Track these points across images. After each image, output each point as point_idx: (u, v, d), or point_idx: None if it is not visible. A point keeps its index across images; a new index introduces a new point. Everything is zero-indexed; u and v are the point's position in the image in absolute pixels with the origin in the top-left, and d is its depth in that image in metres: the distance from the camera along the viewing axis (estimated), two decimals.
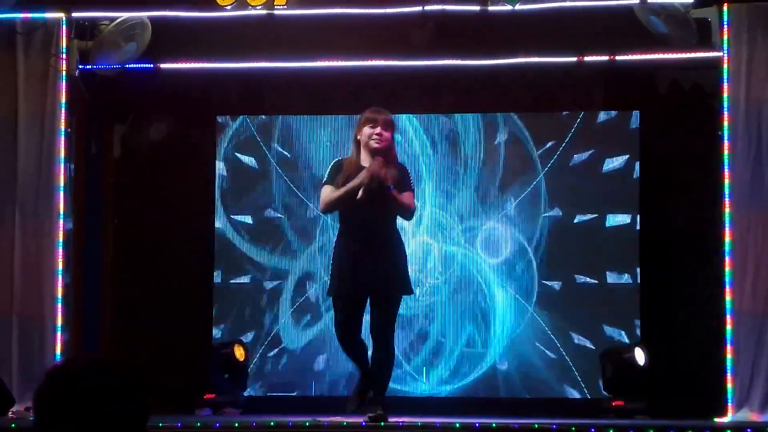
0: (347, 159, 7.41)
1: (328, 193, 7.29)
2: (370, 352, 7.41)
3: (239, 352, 9.11)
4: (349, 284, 7.22)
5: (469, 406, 9.05)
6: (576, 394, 9.29)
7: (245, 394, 9.21)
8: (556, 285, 9.42)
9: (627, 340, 9.14)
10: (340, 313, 7.33)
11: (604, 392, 8.91)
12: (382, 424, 7.11)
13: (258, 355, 9.51)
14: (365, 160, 7.27)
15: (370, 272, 7.16)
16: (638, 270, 9.30)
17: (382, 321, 7.25)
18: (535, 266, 9.44)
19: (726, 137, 8.04)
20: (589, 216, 9.42)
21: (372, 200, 7.16)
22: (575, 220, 9.43)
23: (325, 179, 7.40)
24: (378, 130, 7.23)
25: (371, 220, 7.20)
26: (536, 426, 7.08)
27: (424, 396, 9.38)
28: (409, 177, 7.40)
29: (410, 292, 7.40)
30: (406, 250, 7.52)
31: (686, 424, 7.11)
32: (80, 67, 8.67)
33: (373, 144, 7.22)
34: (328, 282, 7.44)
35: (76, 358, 2.76)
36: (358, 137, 7.32)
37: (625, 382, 8.83)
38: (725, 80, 8.06)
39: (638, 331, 9.21)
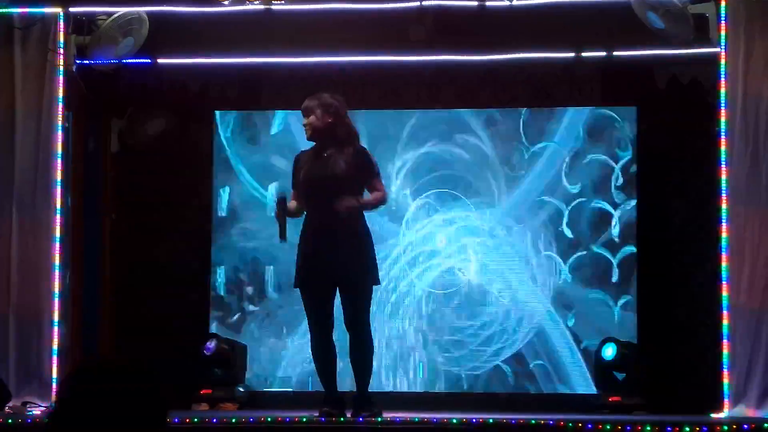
0: (303, 153, 7.37)
1: (291, 203, 7.28)
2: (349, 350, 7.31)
3: (208, 347, 9.12)
4: (315, 274, 7.12)
5: (466, 403, 9.06)
6: (572, 390, 9.30)
7: (242, 389, 9.22)
8: (552, 282, 9.43)
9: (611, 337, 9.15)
10: (308, 308, 7.23)
11: (596, 389, 8.96)
12: (379, 419, 7.11)
13: (257, 350, 9.52)
14: (317, 146, 7.22)
15: (336, 262, 7.06)
16: (636, 267, 9.30)
17: (353, 311, 7.13)
18: (534, 264, 9.45)
19: (723, 133, 8.04)
20: (586, 211, 9.43)
21: (329, 187, 7.09)
22: (573, 216, 9.44)
23: (291, 180, 7.37)
24: (304, 121, 7.25)
25: (332, 209, 7.07)
26: (533, 422, 7.09)
27: (421, 392, 9.40)
28: (371, 163, 7.21)
29: (377, 282, 7.27)
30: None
31: (683, 420, 7.10)
32: (77, 62, 8.66)
33: (306, 135, 7.24)
34: (294, 273, 7.30)
35: (103, 356, 2.80)
36: None
37: (605, 377, 8.88)
38: (723, 76, 8.05)
39: (636, 327, 9.23)
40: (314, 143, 7.24)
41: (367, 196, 7.23)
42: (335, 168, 7.10)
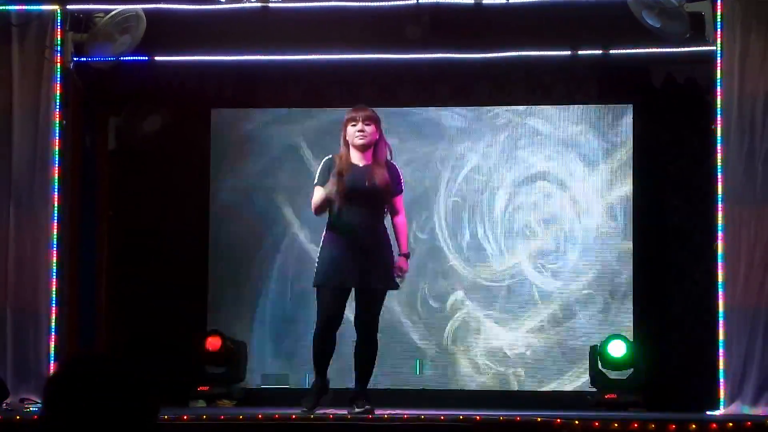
0: (338, 155, 7.52)
1: (315, 195, 7.47)
2: (355, 347, 7.55)
3: (212, 343, 9.14)
4: (337, 276, 7.35)
5: (460, 399, 9.08)
6: (569, 387, 9.32)
7: (241, 385, 9.24)
8: (550, 281, 9.44)
9: (620, 334, 9.16)
10: (323, 305, 7.43)
11: (592, 386, 8.97)
12: (384, 416, 7.20)
13: (253, 346, 9.53)
14: (355, 157, 7.44)
15: (358, 266, 7.33)
16: (632, 264, 9.33)
17: (369, 314, 7.43)
18: (529, 263, 9.47)
19: (719, 131, 8.05)
20: (584, 208, 9.45)
21: (362, 199, 7.36)
22: (571, 215, 9.46)
23: (315, 179, 7.54)
24: (359, 126, 7.41)
25: (361, 216, 7.37)
26: (529, 419, 7.10)
27: (418, 388, 9.43)
28: (399, 178, 7.58)
29: (396, 287, 7.54)
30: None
31: (679, 417, 7.12)
32: (75, 59, 8.66)
33: (357, 141, 7.41)
34: (315, 272, 7.50)
35: (90, 351, 2.79)
36: (346, 138, 7.50)
37: (606, 375, 8.90)
38: (718, 74, 8.06)
39: (632, 325, 9.26)
40: (347, 151, 7.42)
41: (400, 233, 7.56)
42: (376, 180, 7.39)
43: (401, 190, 7.56)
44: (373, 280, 7.37)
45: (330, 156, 7.58)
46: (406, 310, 9.52)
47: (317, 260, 7.51)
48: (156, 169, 9.79)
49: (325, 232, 7.52)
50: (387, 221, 7.58)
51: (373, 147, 7.47)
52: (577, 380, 9.30)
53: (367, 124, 7.43)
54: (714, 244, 8.02)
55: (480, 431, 6.99)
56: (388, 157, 7.55)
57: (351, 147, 7.45)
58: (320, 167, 7.56)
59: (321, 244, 7.53)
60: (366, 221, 7.38)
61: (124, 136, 9.78)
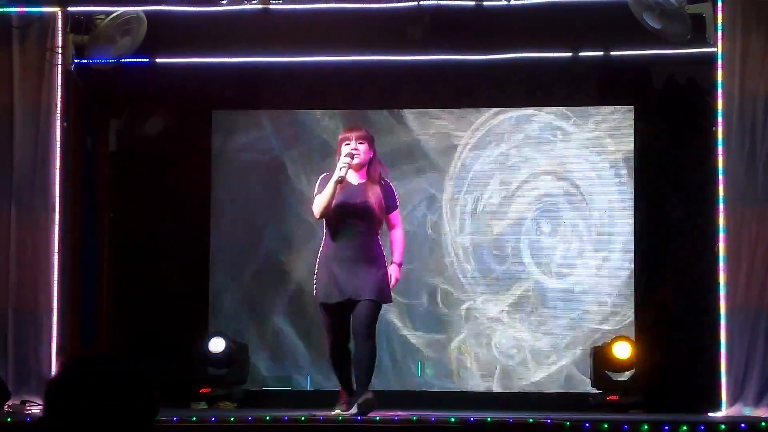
0: (330, 176, 7.63)
1: (317, 199, 7.58)
2: (352, 352, 7.60)
3: (215, 345, 9.15)
4: (336, 292, 7.48)
5: (463, 400, 9.09)
6: (570, 389, 9.31)
7: (242, 387, 9.24)
8: (552, 281, 9.44)
9: (624, 336, 9.17)
10: (329, 322, 7.61)
11: (593, 388, 8.96)
12: (377, 419, 7.19)
13: (253, 349, 9.52)
14: (349, 175, 7.54)
15: (354, 279, 7.45)
16: (633, 265, 9.33)
17: (366, 319, 7.50)
18: (531, 263, 9.47)
19: (720, 132, 8.05)
20: (585, 208, 9.45)
21: (356, 216, 7.50)
22: (572, 215, 9.46)
23: (315, 192, 7.64)
24: (353, 144, 7.55)
25: (356, 231, 7.52)
26: (531, 421, 7.10)
27: (420, 390, 9.43)
28: (394, 195, 7.72)
29: (389, 300, 7.68)
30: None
31: (680, 419, 7.12)
32: (76, 61, 8.66)
33: (353, 161, 7.51)
34: (314, 290, 7.66)
35: (91, 353, 2.79)
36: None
37: (609, 377, 8.89)
38: (719, 75, 8.07)
39: (633, 326, 9.26)
40: (345, 170, 7.49)
41: (396, 244, 7.70)
42: (370, 198, 7.53)
43: (396, 206, 7.71)
44: (369, 292, 7.47)
45: (326, 173, 7.70)
46: (410, 312, 9.52)
47: (315, 278, 7.64)
48: (157, 171, 9.78)
49: (320, 250, 7.66)
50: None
51: (367, 165, 7.61)
52: (578, 381, 9.29)
53: (360, 143, 7.58)
54: (715, 246, 8.02)
55: None
56: (383, 176, 7.67)
57: None
58: (318, 183, 7.66)
59: (317, 262, 7.65)
60: (360, 237, 7.52)
61: (125, 138, 9.79)
